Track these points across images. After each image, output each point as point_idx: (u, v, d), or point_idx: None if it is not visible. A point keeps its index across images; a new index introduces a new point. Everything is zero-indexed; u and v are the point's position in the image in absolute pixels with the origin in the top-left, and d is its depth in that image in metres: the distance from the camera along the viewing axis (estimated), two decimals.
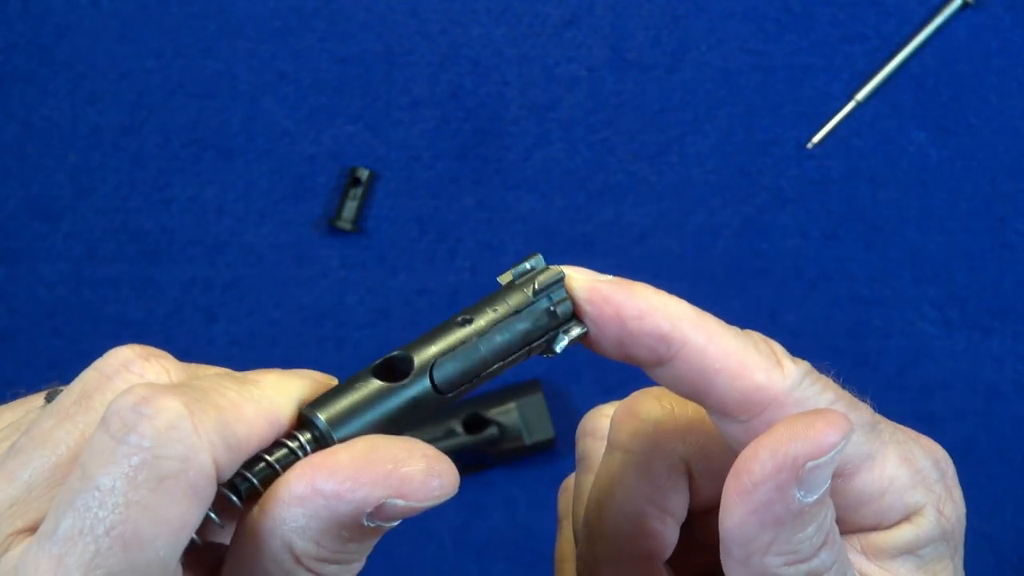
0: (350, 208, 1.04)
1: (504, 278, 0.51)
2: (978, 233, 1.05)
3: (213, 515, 0.42)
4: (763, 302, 1.05)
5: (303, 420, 0.46)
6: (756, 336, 0.48)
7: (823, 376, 0.47)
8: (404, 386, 0.47)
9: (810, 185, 1.06)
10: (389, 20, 1.06)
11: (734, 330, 0.47)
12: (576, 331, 0.50)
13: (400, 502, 0.43)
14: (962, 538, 0.50)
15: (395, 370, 0.48)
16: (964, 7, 1.05)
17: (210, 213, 1.05)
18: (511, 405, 1.00)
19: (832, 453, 0.42)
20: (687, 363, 0.47)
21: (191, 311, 1.05)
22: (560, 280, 0.50)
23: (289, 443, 0.45)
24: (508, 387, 1.02)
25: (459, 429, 0.99)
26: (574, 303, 0.50)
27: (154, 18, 1.06)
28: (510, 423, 1.00)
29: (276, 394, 0.45)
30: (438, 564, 1.03)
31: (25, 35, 1.05)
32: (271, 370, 0.47)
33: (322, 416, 0.46)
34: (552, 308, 0.49)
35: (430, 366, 0.48)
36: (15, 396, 1.10)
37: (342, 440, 0.45)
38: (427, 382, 0.48)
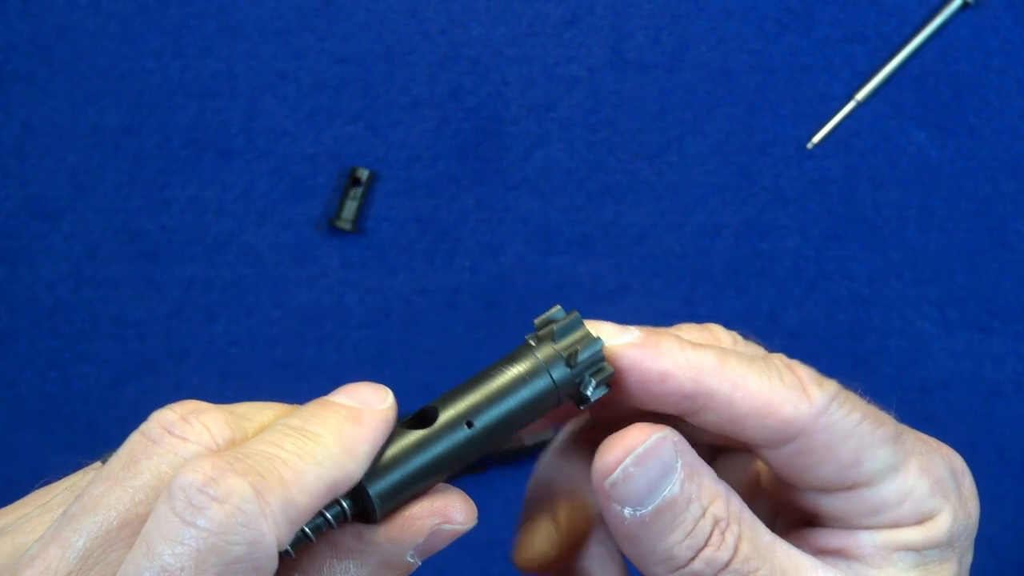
0: (350, 208, 1.04)
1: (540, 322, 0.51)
2: (978, 233, 1.05)
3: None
4: (763, 302, 1.05)
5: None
6: (779, 364, 0.49)
7: (850, 395, 0.48)
8: (435, 434, 0.48)
9: (810, 185, 1.06)
10: (389, 20, 1.06)
11: (757, 365, 0.48)
12: (604, 390, 0.50)
13: (448, 526, 0.47)
14: (970, 544, 0.51)
15: (425, 419, 0.49)
16: (964, 7, 1.05)
17: (210, 213, 1.05)
18: None
19: (618, 471, 0.45)
20: (715, 413, 0.48)
21: (191, 311, 1.05)
22: (598, 352, 0.50)
23: (342, 501, 0.46)
24: None
25: None
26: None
27: (154, 18, 1.06)
28: None
29: (339, 452, 0.45)
30: (438, 564, 1.03)
31: (25, 35, 1.05)
32: (329, 407, 0.47)
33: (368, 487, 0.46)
34: (587, 378, 0.49)
35: (460, 415, 0.49)
36: (15, 396, 1.10)
37: (381, 496, 0.46)
38: (452, 425, 0.49)
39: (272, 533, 0.42)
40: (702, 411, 0.48)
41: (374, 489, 0.46)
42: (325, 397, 0.48)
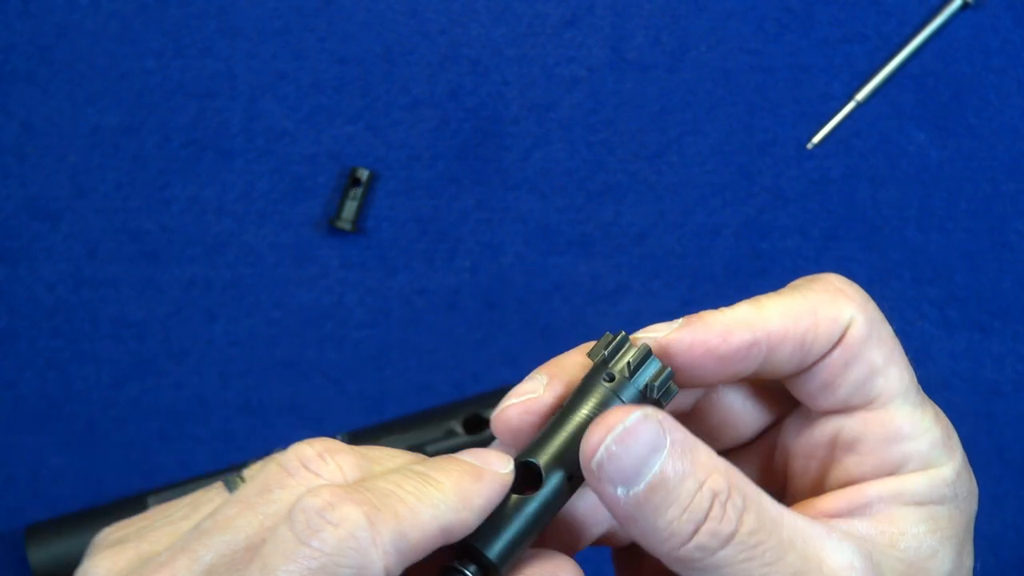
0: (350, 208, 1.04)
1: (596, 349, 0.52)
2: (978, 233, 1.05)
3: None
4: None
5: (462, 547, 0.49)
6: (805, 284, 0.51)
7: (883, 318, 0.52)
8: (542, 496, 0.49)
9: (810, 185, 1.06)
10: (389, 20, 1.06)
11: (788, 296, 0.51)
12: (674, 390, 0.51)
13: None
14: (972, 514, 0.52)
15: (528, 476, 0.50)
16: (964, 7, 1.05)
17: (210, 213, 1.05)
18: None
19: (600, 450, 0.46)
20: (771, 357, 0.50)
21: (191, 311, 1.05)
22: (652, 358, 0.50)
23: (459, 566, 0.48)
24: (508, 387, 1.02)
25: (459, 429, 0.99)
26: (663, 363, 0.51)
27: (154, 18, 1.06)
28: None
29: (455, 499, 0.48)
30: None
31: (25, 35, 1.05)
32: (453, 461, 0.50)
33: (476, 543, 0.48)
34: (654, 387, 0.50)
35: (564, 476, 0.50)
36: (15, 396, 1.10)
37: (500, 556, 0.48)
38: (560, 487, 0.50)
39: (381, 561, 0.44)
40: (772, 353, 0.50)
41: (495, 554, 0.48)
42: (453, 455, 0.51)
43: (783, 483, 0.55)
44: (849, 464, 0.51)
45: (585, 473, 0.48)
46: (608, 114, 1.06)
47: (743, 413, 0.55)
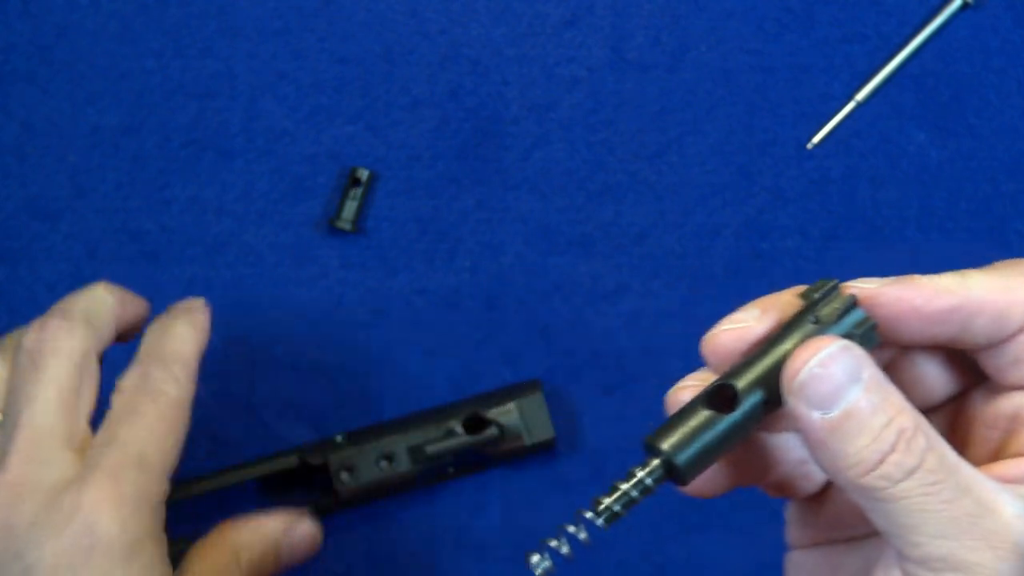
0: (350, 208, 1.04)
1: (797, 293, 0.57)
2: (978, 233, 1.05)
3: (583, 537, 0.53)
4: None
5: (647, 448, 0.54)
6: (1003, 264, 0.56)
7: None
8: (735, 416, 0.53)
9: (810, 185, 1.06)
10: (389, 20, 1.06)
11: (990, 269, 0.55)
12: (875, 340, 0.55)
13: None
14: None
15: (724, 397, 0.54)
16: (964, 7, 1.05)
17: (210, 213, 1.05)
18: (511, 405, 1.00)
19: (804, 370, 0.50)
20: (969, 325, 0.53)
21: None
22: (858, 308, 0.54)
23: (640, 472, 0.53)
24: (508, 387, 1.02)
25: (459, 429, 0.99)
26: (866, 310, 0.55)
27: (154, 18, 1.06)
28: (510, 423, 1.00)
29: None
30: (438, 564, 1.03)
31: (25, 35, 1.05)
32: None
33: (665, 446, 0.53)
34: (855, 334, 0.54)
35: (755, 396, 0.54)
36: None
37: (686, 464, 0.53)
38: (755, 409, 0.54)
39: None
40: (974, 319, 0.53)
41: (685, 463, 0.53)
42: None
43: (961, 451, 0.57)
44: None
45: (785, 394, 0.51)
46: (608, 114, 1.06)
47: (933, 378, 0.58)
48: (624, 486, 0.53)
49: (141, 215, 1.05)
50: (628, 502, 0.53)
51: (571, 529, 0.54)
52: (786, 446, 0.59)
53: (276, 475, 1.01)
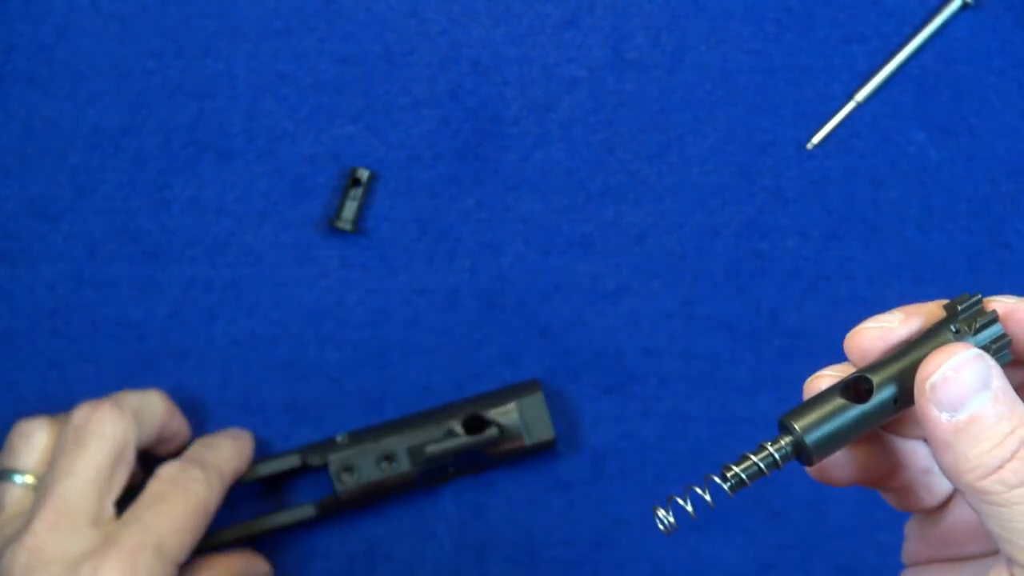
0: (350, 208, 1.04)
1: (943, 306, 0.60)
2: (978, 233, 1.05)
3: (708, 499, 0.57)
4: (763, 302, 1.05)
5: (781, 426, 0.57)
6: None
7: None
8: (866, 406, 0.57)
9: (810, 185, 1.06)
10: (389, 20, 1.06)
11: None
12: (1008, 357, 0.58)
13: None
14: None
15: (859, 389, 0.57)
16: (964, 7, 1.05)
17: (210, 213, 1.05)
18: (511, 406, 1.00)
19: (937, 373, 0.53)
20: None
21: (191, 311, 1.05)
22: (998, 325, 0.58)
23: (770, 447, 0.56)
24: (508, 388, 1.02)
25: (459, 429, 0.99)
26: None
27: (154, 18, 1.06)
28: (510, 423, 1.00)
29: None
30: (438, 564, 1.03)
31: (25, 35, 1.05)
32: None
33: (798, 425, 0.56)
34: (991, 348, 0.57)
35: (888, 391, 0.57)
36: (15, 397, 1.10)
37: (815, 444, 0.56)
38: (886, 403, 0.57)
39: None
40: None
41: (814, 443, 0.56)
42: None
43: None
44: None
45: (917, 394, 0.54)
46: (608, 114, 1.06)
47: None
48: (754, 457, 0.56)
49: (141, 215, 1.05)
50: (755, 473, 0.56)
51: (698, 490, 0.57)
52: (913, 453, 0.62)
53: (276, 475, 1.01)
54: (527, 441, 1.00)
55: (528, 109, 1.06)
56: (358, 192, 1.04)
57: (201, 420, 1.04)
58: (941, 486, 0.63)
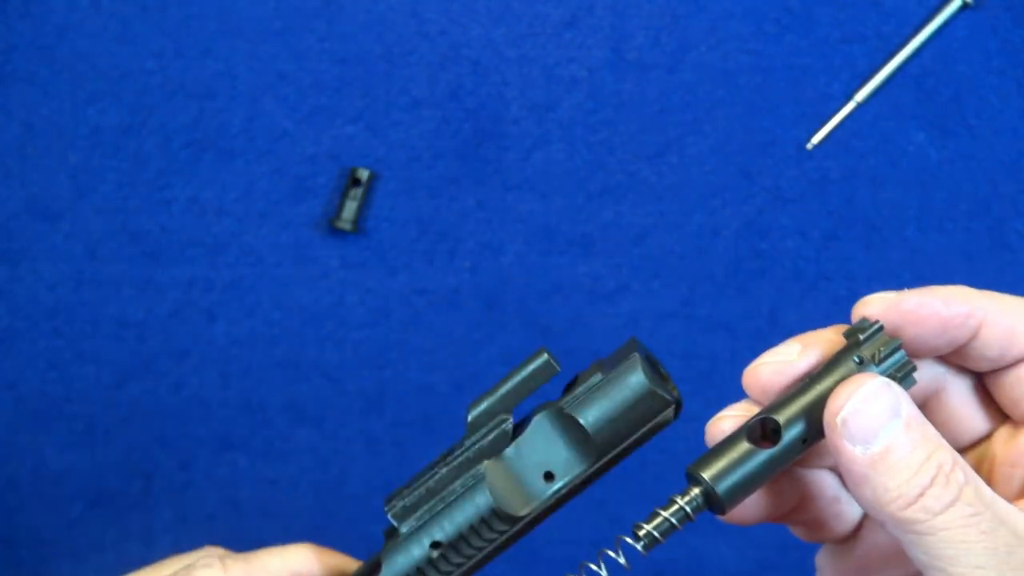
0: (350, 208, 1.04)
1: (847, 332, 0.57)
2: (978, 233, 1.05)
3: (623, 562, 0.54)
4: (763, 302, 1.05)
5: (689, 477, 0.55)
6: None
7: None
8: (775, 449, 0.54)
9: (810, 185, 1.06)
10: (389, 20, 1.06)
11: (1000, 296, 0.57)
12: (912, 382, 0.56)
13: None
14: None
15: (765, 430, 0.55)
16: (964, 7, 1.05)
17: (210, 213, 1.05)
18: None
19: (848, 406, 0.51)
20: (982, 336, 0.55)
21: (191, 311, 1.05)
22: (902, 353, 0.55)
23: (679, 500, 0.54)
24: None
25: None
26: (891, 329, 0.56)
27: (154, 18, 1.06)
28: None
29: (304, 556, 0.64)
30: None
31: (25, 36, 1.05)
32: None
33: (706, 475, 0.54)
34: (896, 376, 0.55)
35: (796, 430, 0.55)
36: (15, 396, 1.10)
37: (726, 493, 0.54)
38: (795, 443, 0.55)
39: None
40: (971, 335, 0.55)
41: (725, 492, 0.54)
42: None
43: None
44: None
45: (828, 430, 0.52)
46: (608, 114, 1.06)
47: (963, 418, 0.59)
48: (664, 513, 0.54)
49: (141, 215, 1.05)
50: (668, 529, 0.55)
51: (611, 554, 0.55)
52: (820, 483, 0.60)
53: None
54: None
55: (528, 109, 1.06)
56: (358, 192, 1.04)
57: (201, 420, 1.04)
58: (851, 514, 0.61)
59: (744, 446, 0.54)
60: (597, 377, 0.59)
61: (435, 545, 0.58)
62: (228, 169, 1.05)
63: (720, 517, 0.56)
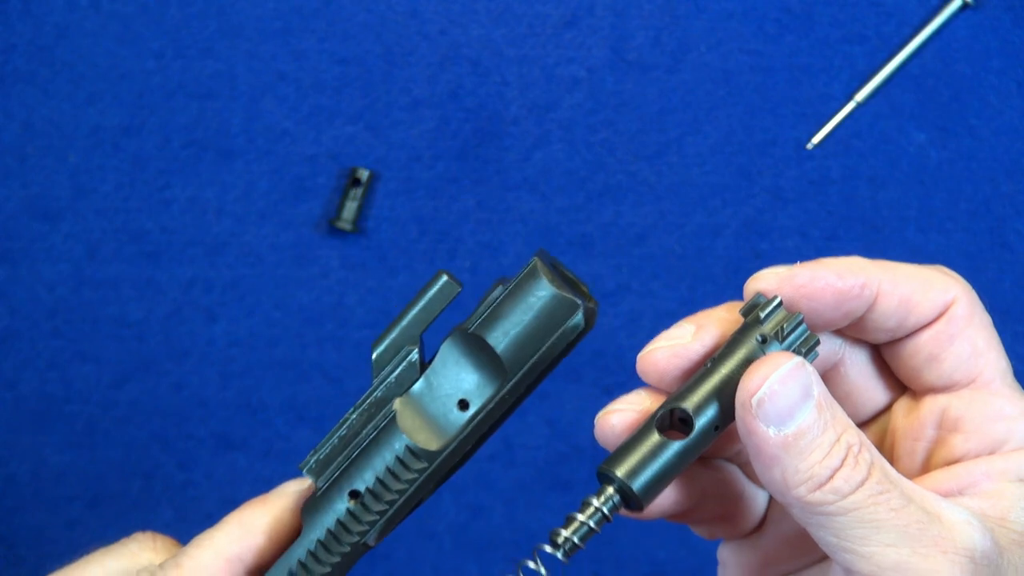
0: (350, 208, 1.04)
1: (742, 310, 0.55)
2: (978, 233, 1.05)
3: (543, 572, 0.51)
4: None
5: (601, 477, 0.52)
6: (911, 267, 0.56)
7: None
8: (689, 439, 0.52)
9: (810, 185, 1.06)
10: (389, 20, 1.06)
11: (896, 264, 0.56)
12: (815, 355, 0.54)
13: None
14: None
15: (675, 420, 0.53)
16: (964, 7, 1.05)
17: (210, 213, 1.05)
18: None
19: (764, 387, 0.50)
20: (878, 306, 0.54)
21: (191, 311, 1.05)
22: (803, 326, 0.54)
23: (595, 501, 0.52)
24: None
25: None
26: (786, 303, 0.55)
27: (154, 18, 1.06)
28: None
29: (237, 531, 0.57)
30: (438, 564, 1.03)
31: (25, 35, 1.05)
32: (256, 500, 0.58)
33: (619, 472, 0.52)
34: (800, 350, 0.54)
35: (707, 417, 0.53)
36: (15, 396, 1.10)
37: (642, 489, 0.52)
38: (707, 430, 0.53)
39: None
40: (879, 299, 0.54)
41: (641, 488, 0.52)
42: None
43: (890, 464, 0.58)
44: (953, 443, 0.54)
45: (741, 411, 0.51)
46: (608, 114, 1.06)
47: (863, 392, 0.58)
48: (581, 517, 0.52)
49: (141, 215, 1.05)
50: (587, 533, 0.52)
51: (531, 565, 0.52)
52: (724, 477, 0.59)
53: None
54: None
55: (528, 109, 1.06)
56: (358, 192, 1.04)
57: (201, 420, 1.04)
58: (755, 508, 0.60)
59: (655, 439, 0.52)
60: (499, 290, 0.56)
61: (353, 495, 0.54)
62: (228, 169, 1.05)
63: (633, 515, 0.54)
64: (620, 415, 0.54)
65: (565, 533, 0.51)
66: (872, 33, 1.06)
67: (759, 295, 0.54)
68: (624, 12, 1.06)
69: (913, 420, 0.56)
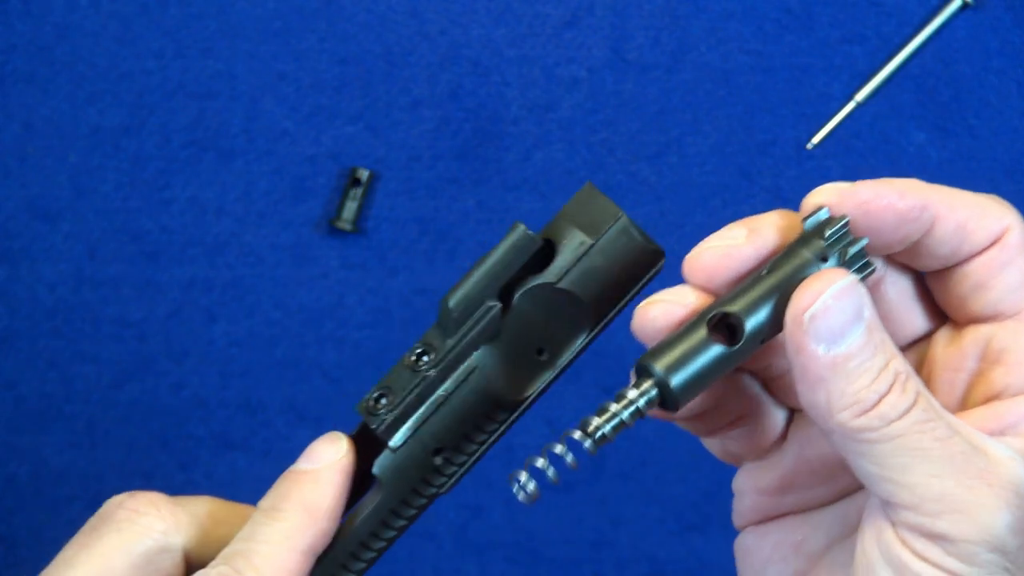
0: (350, 208, 1.04)
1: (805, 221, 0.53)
2: None
3: (569, 460, 0.49)
4: None
5: (640, 370, 0.50)
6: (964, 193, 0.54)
7: None
8: (737, 347, 0.51)
9: (810, 185, 1.06)
10: (389, 20, 1.06)
11: (965, 191, 0.54)
12: (871, 269, 0.52)
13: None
14: None
15: (725, 324, 0.51)
16: (964, 7, 1.05)
17: (210, 213, 1.05)
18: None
19: (818, 302, 0.48)
20: (934, 230, 0.52)
21: (191, 311, 1.05)
22: (863, 248, 0.52)
23: (630, 394, 0.49)
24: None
25: None
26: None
27: (154, 18, 1.06)
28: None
29: (304, 520, 0.53)
30: (438, 564, 1.03)
31: (25, 35, 1.05)
32: (289, 479, 0.54)
33: (659, 366, 0.49)
34: (845, 258, 0.52)
35: (758, 327, 0.51)
36: (15, 396, 1.10)
37: (680, 387, 0.49)
38: (755, 341, 0.51)
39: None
40: (925, 229, 0.52)
41: (679, 387, 0.49)
42: (290, 468, 0.54)
43: None
44: (995, 376, 0.53)
45: (792, 325, 0.49)
46: (608, 114, 1.06)
47: (901, 316, 0.56)
48: (615, 407, 0.49)
49: (141, 215, 1.05)
50: (618, 425, 0.49)
51: (558, 450, 0.50)
52: (744, 386, 0.56)
53: None
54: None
55: (528, 109, 1.06)
56: (358, 192, 1.04)
57: (201, 420, 1.04)
58: (774, 423, 0.57)
59: (702, 337, 0.50)
60: (583, 243, 0.54)
61: (437, 452, 0.53)
62: (228, 169, 1.05)
63: (664, 416, 0.52)
64: (664, 307, 0.52)
65: (597, 421, 0.49)
66: (872, 33, 1.06)
67: (824, 210, 0.52)
68: (624, 12, 1.06)
69: (954, 351, 0.54)
